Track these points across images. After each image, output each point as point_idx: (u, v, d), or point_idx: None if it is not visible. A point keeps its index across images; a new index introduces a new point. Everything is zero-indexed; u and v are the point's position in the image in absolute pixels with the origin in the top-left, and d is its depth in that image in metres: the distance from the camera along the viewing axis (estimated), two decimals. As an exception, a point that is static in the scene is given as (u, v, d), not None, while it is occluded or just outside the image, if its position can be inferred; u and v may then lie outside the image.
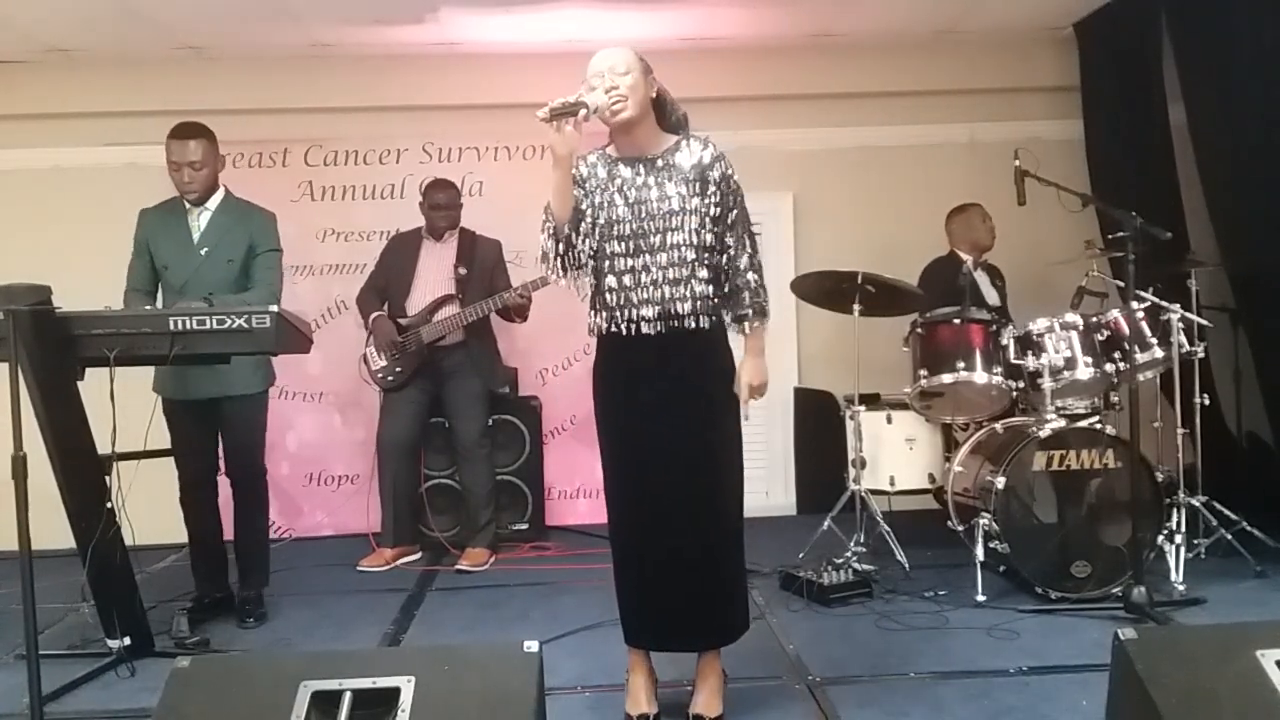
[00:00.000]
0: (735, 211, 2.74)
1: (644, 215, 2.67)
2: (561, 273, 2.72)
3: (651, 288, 2.66)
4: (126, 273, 3.77)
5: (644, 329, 2.66)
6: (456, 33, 5.09)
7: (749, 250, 2.76)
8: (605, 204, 2.70)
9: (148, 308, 3.61)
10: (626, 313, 2.67)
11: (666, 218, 2.66)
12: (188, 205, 3.69)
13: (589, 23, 4.98)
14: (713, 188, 2.70)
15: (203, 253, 3.67)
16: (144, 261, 3.73)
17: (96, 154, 5.37)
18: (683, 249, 2.66)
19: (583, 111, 2.56)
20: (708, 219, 2.69)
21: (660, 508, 2.71)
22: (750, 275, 2.74)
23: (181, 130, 3.65)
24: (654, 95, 2.71)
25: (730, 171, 2.74)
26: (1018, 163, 3.97)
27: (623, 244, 2.68)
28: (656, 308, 2.66)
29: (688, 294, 2.66)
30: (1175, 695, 2.04)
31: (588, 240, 2.70)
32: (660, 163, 2.71)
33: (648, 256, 2.66)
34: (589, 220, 2.71)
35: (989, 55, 5.48)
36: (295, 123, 5.36)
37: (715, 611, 2.78)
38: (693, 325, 2.67)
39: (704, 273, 2.68)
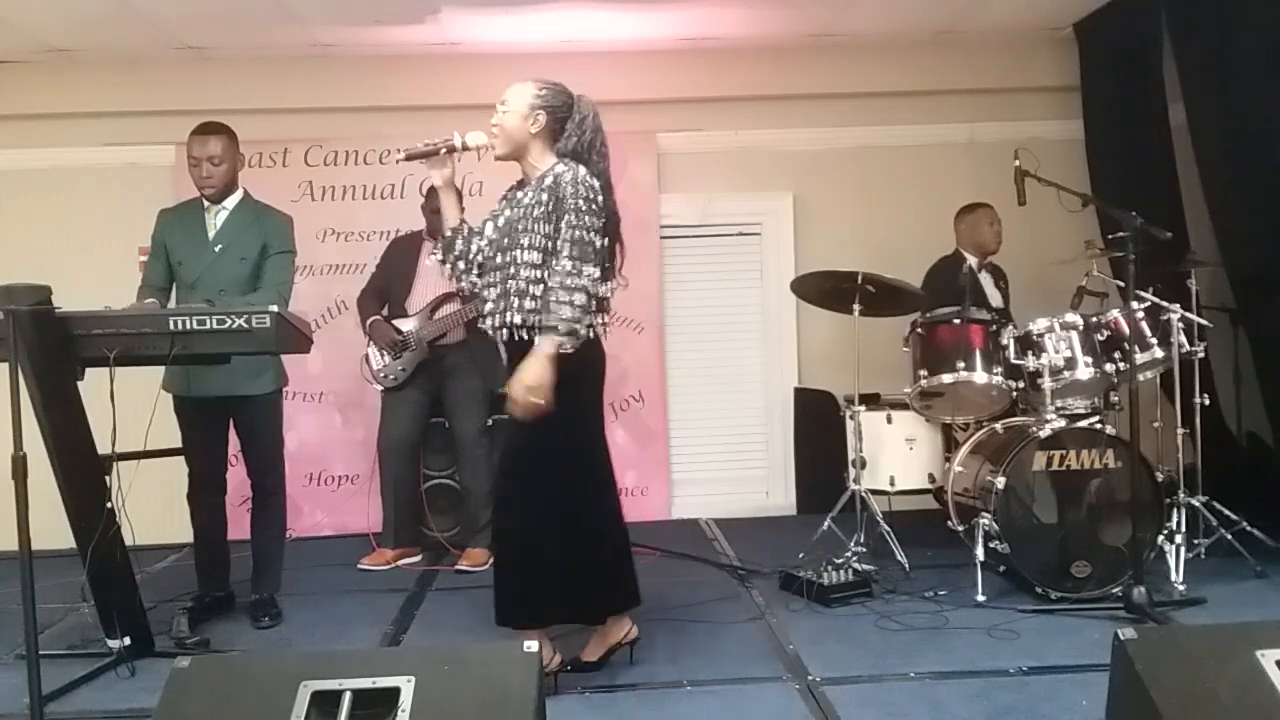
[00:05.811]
0: (563, 226, 2.86)
1: (501, 235, 2.98)
2: (451, 275, 3.11)
3: (500, 300, 2.94)
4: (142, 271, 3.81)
5: (502, 336, 2.97)
6: (457, 33, 5.09)
7: (567, 267, 2.84)
8: (488, 226, 3.04)
9: (150, 300, 3.62)
10: (490, 320, 2.98)
11: (512, 235, 2.93)
12: (206, 203, 3.72)
13: (589, 23, 4.98)
14: (548, 207, 2.87)
15: (216, 250, 3.69)
16: (160, 259, 3.75)
17: (96, 154, 5.37)
18: (519, 265, 2.89)
19: (443, 150, 2.99)
20: (539, 236, 2.88)
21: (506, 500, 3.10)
22: (559, 291, 2.82)
23: (202, 127, 3.71)
24: (534, 130, 2.94)
25: (567, 190, 2.86)
26: (1018, 163, 3.97)
27: (489, 262, 3.00)
28: (501, 317, 2.94)
29: (521, 307, 2.88)
30: (1175, 695, 2.04)
31: (465, 254, 3.05)
32: (527, 186, 2.99)
33: (497, 273, 2.96)
34: (476, 238, 3.06)
35: (989, 55, 5.48)
36: (295, 123, 5.36)
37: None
38: (526, 336, 2.88)
39: (538, 289, 2.87)
